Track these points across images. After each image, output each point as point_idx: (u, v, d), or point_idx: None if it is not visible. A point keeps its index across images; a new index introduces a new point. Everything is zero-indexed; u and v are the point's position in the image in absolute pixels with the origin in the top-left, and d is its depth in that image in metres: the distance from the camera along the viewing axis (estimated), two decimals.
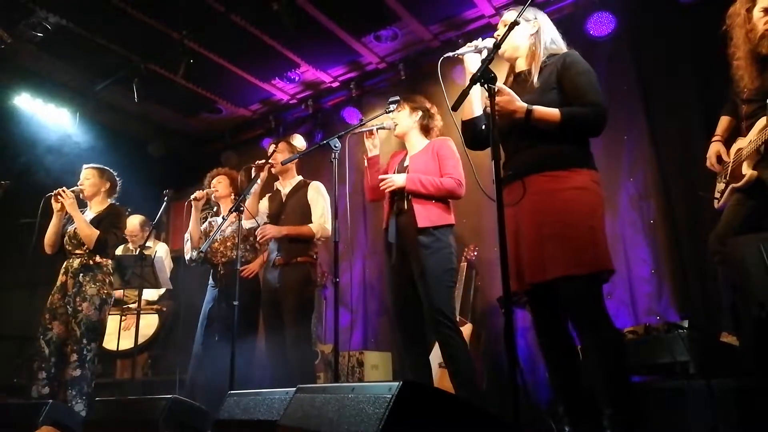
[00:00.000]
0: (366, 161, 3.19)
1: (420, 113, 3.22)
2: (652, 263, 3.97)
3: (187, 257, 3.99)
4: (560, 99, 2.12)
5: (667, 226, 3.97)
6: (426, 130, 3.24)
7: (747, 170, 2.67)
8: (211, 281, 3.99)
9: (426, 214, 2.95)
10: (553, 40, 2.25)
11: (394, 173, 3.13)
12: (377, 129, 3.16)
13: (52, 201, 3.67)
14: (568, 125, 2.06)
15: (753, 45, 2.57)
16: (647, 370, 2.80)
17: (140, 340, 3.96)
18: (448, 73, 4.58)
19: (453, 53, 2.20)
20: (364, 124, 3.21)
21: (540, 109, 2.05)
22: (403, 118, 3.20)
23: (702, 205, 3.73)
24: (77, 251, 3.72)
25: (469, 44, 2.24)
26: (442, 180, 3.00)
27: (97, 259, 3.72)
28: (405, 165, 3.18)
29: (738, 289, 2.61)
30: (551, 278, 1.99)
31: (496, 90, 1.86)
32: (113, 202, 3.96)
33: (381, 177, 3.05)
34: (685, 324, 2.91)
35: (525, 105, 2.04)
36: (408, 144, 3.27)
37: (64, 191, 3.66)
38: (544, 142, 2.10)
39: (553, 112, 2.06)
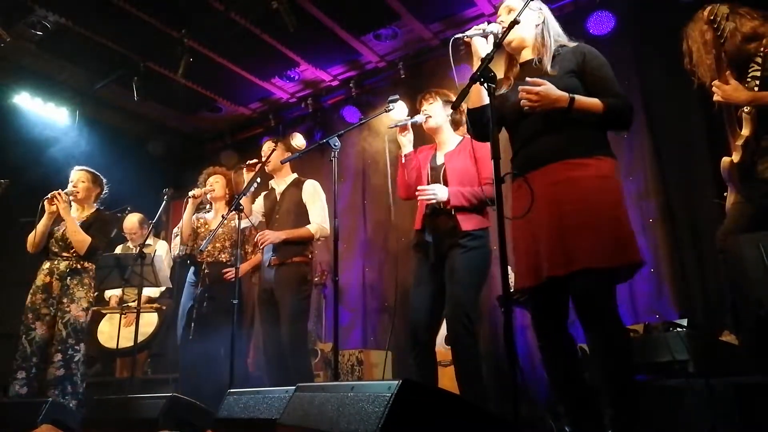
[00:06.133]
0: (402, 159, 2.97)
1: (451, 107, 3.01)
2: (652, 262, 3.96)
3: (174, 252, 3.96)
4: (581, 87, 2.06)
5: (667, 225, 3.97)
6: (457, 124, 3.07)
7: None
8: (191, 278, 3.91)
9: (468, 220, 2.83)
10: (558, 32, 2.22)
11: (427, 173, 2.98)
12: (410, 123, 2.96)
13: (47, 203, 3.65)
14: (610, 116, 1.99)
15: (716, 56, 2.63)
16: (647, 368, 2.80)
17: (140, 339, 3.94)
18: (446, 73, 4.56)
19: (461, 35, 2.14)
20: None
21: (582, 98, 1.98)
22: (436, 112, 3.00)
23: (701, 204, 3.74)
24: (64, 254, 3.71)
25: (476, 27, 2.16)
26: (483, 188, 2.82)
27: (84, 263, 3.73)
28: (440, 164, 3.00)
29: (736, 287, 2.61)
30: (575, 270, 1.89)
31: (530, 83, 1.84)
32: (99, 207, 3.96)
33: (421, 188, 2.84)
34: (685, 323, 2.91)
35: (566, 94, 1.96)
36: (438, 139, 3.08)
37: (60, 194, 3.64)
38: (565, 128, 2.02)
39: (596, 102, 1.99)
